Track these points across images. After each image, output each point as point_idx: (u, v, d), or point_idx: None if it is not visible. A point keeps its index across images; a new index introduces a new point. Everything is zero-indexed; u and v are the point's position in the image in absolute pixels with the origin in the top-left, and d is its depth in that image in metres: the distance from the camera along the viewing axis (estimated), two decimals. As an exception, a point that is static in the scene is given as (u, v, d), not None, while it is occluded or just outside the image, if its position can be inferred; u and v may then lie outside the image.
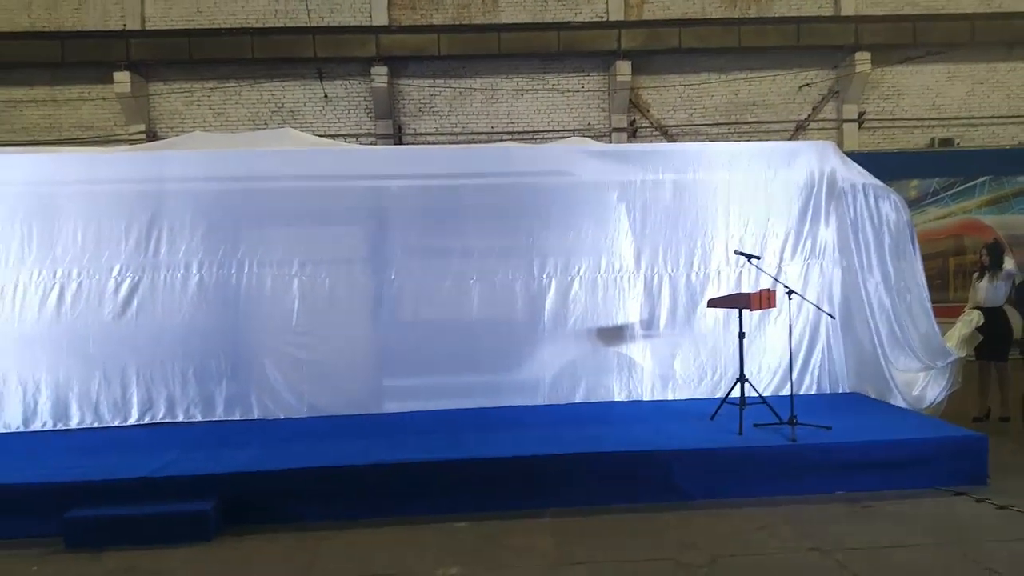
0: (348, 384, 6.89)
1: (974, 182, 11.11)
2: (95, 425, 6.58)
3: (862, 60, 12.02)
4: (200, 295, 6.72)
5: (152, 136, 11.83)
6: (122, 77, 11.40)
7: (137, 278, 6.68)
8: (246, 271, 6.78)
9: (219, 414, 6.70)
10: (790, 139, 12.12)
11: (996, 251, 7.59)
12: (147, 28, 11.83)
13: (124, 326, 6.66)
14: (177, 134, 11.40)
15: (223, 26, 11.84)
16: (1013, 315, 7.22)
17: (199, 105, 12.09)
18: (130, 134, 11.77)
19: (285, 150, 7.13)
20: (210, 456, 5.57)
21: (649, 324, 7.11)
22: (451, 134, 12.30)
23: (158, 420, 6.65)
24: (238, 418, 6.70)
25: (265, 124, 12.00)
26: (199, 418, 6.68)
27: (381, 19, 12.05)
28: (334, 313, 6.85)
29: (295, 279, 6.82)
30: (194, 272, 6.73)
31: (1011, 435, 6.69)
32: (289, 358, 6.82)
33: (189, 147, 7.34)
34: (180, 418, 6.67)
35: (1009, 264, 7.46)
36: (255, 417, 6.73)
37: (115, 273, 6.67)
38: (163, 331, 6.66)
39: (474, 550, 4.65)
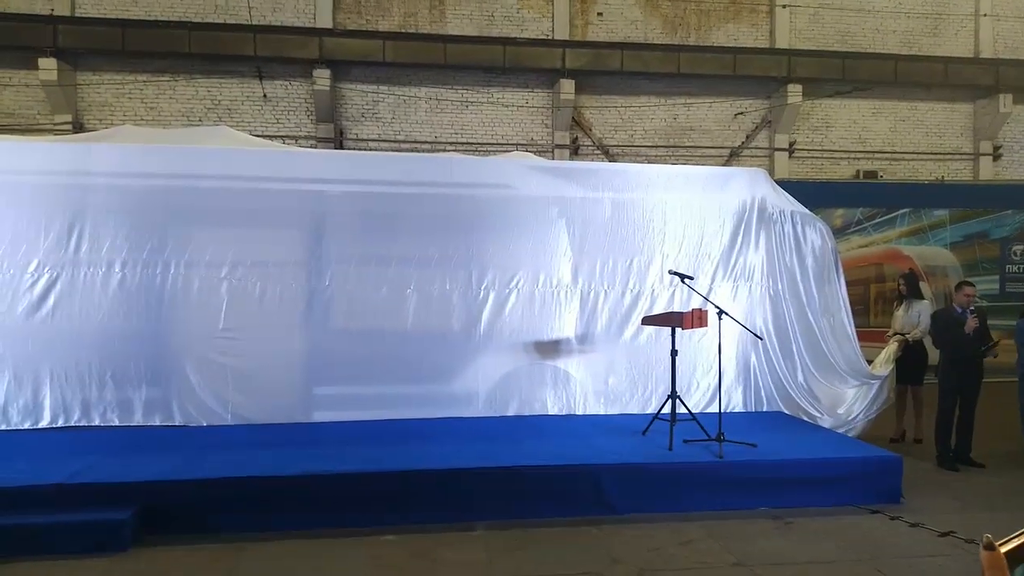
0: (276, 392, 6.68)
1: (895, 214, 11.69)
2: (2, 428, 6.23)
3: (794, 92, 12.54)
4: (122, 295, 6.45)
5: (79, 127, 11.33)
6: (48, 64, 10.90)
7: (55, 275, 6.37)
8: (172, 271, 6.54)
9: (138, 419, 6.43)
10: (724, 164, 12.52)
11: (912, 280, 7.99)
12: (77, 15, 11.36)
13: (39, 325, 6.33)
14: (106, 126, 10.96)
15: (160, 18, 11.46)
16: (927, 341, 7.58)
17: (130, 98, 11.65)
18: (55, 124, 11.24)
19: (221, 148, 6.92)
20: (129, 463, 5.33)
21: (584, 339, 7.18)
22: (394, 141, 12.20)
23: (72, 424, 6.33)
24: (158, 424, 6.46)
25: (200, 121, 11.65)
26: (116, 423, 6.40)
27: (325, 21, 11.90)
28: (264, 318, 6.65)
29: (224, 282, 6.60)
30: (116, 271, 6.45)
31: (924, 456, 7.00)
32: (214, 363, 6.59)
33: (118, 140, 7.03)
34: (96, 422, 6.38)
35: (926, 297, 7.85)
36: (176, 423, 6.50)
37: (32, 268, 6.35)
38: (81, 331, 6.36)
39: (404, 564, 4.57)
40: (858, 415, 6.95)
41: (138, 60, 11.48)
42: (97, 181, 6.44)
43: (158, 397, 6.45)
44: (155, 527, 4.80)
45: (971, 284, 7.15)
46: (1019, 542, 0.67)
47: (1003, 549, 0.66)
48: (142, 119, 11.53)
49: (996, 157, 13.42)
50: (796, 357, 7.14)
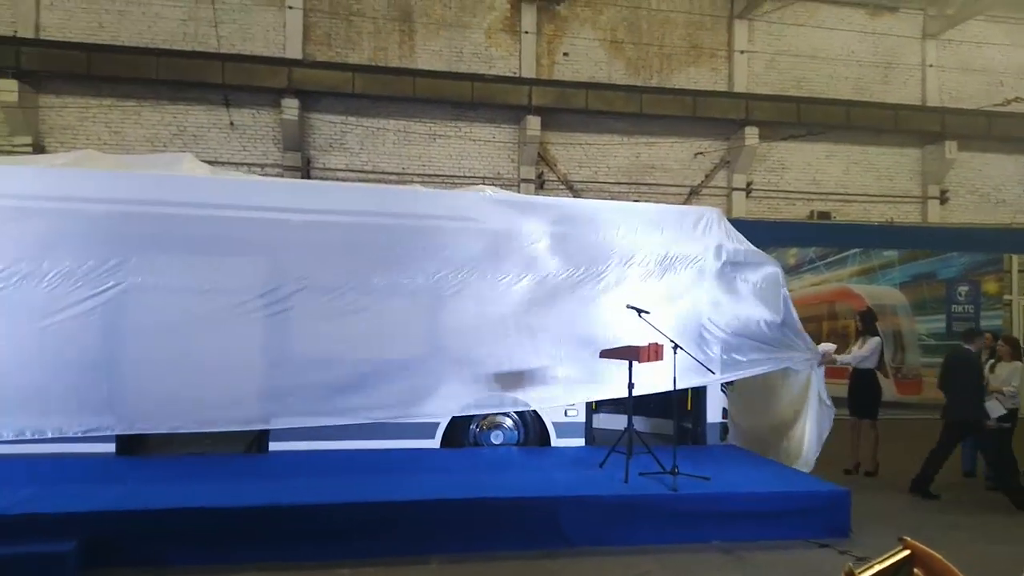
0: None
1: (846, 253, 12.09)
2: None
3: (751, 134, 12.96)
4: (63, 319, 6.23)
5: (39, 150, 11.20)
6: (8, 85, 10.79)
7: None
8: (117, 297, 6.16)
9: (79, 446, 6.17)
10: (685, 202, 12.83)
11: (868, 318, 8.29)
12: (41, 37, 11.29)
13: None
14: (67, 150, 10.85)
15: (127, 43, 11.45)
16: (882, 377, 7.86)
17: (94, 122, 11.57)
18: (14, 145, 11.10)
19: (174, 176, 6.81)
20: (73, 493, 5.19)
21: (544, 371, 7.22)
22: (362, 171, 12.27)
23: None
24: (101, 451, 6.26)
25: (165, 147, 11.60)
26: (53, 448, 6.10)
27: (295, 52, 12.01)
28: (219, 345, 6.49)
29: (174, 308, 6.34)
30: (60, 296, 6.22)
31: (874, 489, 7.15)
32: (163, 391, 6.36)
33: (77, 165, 6.94)
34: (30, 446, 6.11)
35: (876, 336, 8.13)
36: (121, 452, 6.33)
37: None
38: (16, 354, 6.05)
39: (354, 596, 4.54)
40: (807, 446, 7.07)
41: (103, 84, 11.43)
42: (47, 205, 6.14)
43: (100, 425, 6.16)
44: (100, 560, 4.68)
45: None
46: (879, 569, 0.75)
47: None
48: (106, 143, 11.44)
49: (943, 201, 13.97)
50: (747, 392, 7.29)
